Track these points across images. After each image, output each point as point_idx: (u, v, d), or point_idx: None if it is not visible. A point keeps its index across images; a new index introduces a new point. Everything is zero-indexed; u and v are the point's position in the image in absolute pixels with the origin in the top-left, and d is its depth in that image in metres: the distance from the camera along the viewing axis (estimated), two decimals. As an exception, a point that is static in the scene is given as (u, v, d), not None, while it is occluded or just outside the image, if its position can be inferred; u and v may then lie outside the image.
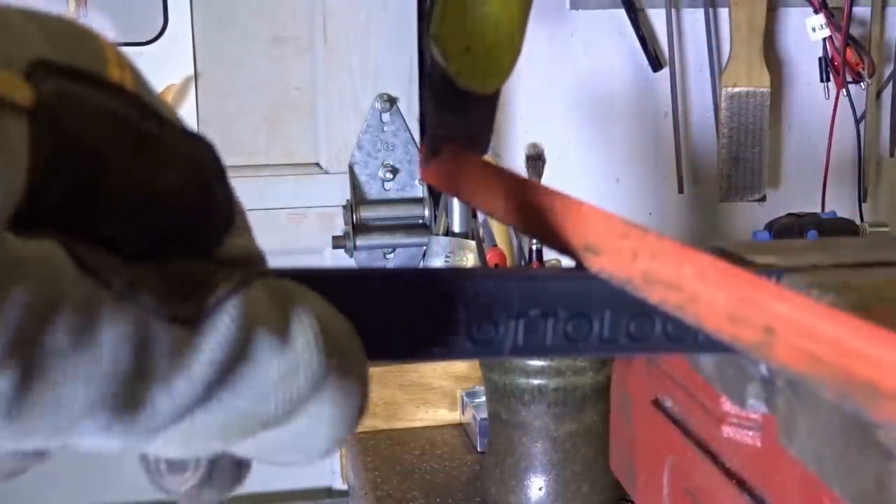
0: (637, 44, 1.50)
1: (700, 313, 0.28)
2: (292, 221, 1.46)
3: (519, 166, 1.43)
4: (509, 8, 0.38)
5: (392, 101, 1.45)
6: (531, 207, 0.35)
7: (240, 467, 0.30)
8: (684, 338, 0.34)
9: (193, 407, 0.25)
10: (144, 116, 0.27)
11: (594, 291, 0.33)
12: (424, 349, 0.32)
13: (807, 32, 1.51)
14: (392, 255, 1.48)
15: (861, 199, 1.57)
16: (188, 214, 0.27)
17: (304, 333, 0.26)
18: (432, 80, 0.40)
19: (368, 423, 1.16)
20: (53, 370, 0.23)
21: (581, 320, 0.33)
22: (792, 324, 0.25)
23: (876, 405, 0.22)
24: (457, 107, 0.40)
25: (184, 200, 0.27)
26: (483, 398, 1.07)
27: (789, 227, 1.28)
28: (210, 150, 0.28)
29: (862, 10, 1.53)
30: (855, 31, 1.51)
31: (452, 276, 0.32)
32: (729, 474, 0.50)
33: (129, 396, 0.24)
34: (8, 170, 0.23)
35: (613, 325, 0.33)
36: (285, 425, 0.27)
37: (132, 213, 0.26)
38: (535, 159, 1.26)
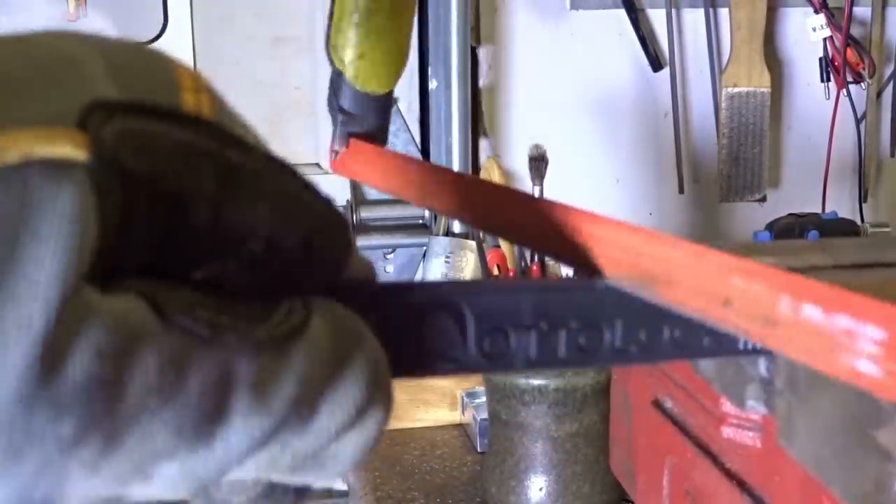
0: (637, 44, 1.50)
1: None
2: (292, 221, 1.46)
3: (519, 166, 1.43)
4: (396, 20, 0.44)
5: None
6: (433, 189, 0.41)
7: (301, 492, 0.29)
8: (691, 344, 0.34)
9: (266, 442, 0.24)
10: (225, 145, 0.25)
11: (605, 301, 0.32)
12: (434, 365, 0.31)
13: (807, 32, 1.51)
14: (392, 255, 1.48)
15: (861, 199, 1.57)
16: (297, 247, 0.26)
17: (359, 382, 0.25)
18: (333, 84, 0.46)
19: (368, 424, 1.16)
20: (133, 419, 0.22)
21: (593, 331, 0.32)
22: (610, 243, 0.32)
23: (656, 290, 0.30)
24: (356, 106, 0.45)
25: (286, 232, 0.26)
26: (483, 398, 1.07)
27: (790, 228, 1.28)
28: (296, 174, 0.27)
29: (862, 10, 1.53)
30: (855, 31, 1.51)
31: (462, 290, 0.32)
32: (729, 475, 0.50)
33: (208, 435, 0.23)
34: (67, 231, 0.21)
35: (625, 334, 0.33)
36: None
37: (229, 251, 0.25)
38: (538, 160, 1.26)
